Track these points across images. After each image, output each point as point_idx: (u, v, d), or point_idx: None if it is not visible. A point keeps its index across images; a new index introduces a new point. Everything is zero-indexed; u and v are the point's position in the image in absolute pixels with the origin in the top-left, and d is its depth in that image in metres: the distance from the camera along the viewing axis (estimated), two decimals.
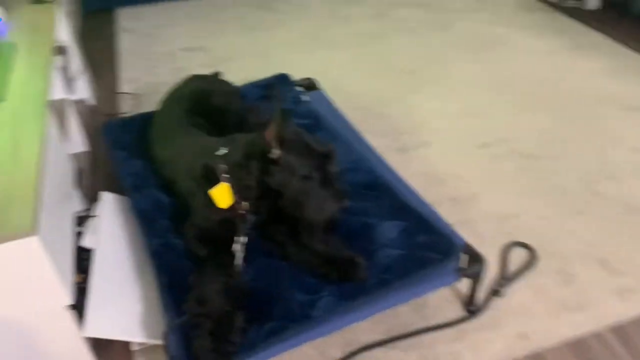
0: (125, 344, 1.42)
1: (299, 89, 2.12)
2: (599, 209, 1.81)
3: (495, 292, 1.53)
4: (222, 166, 1.35)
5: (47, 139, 1.35)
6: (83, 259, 1.50)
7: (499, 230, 1.74)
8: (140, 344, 1.40)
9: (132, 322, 1.38)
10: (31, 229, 1.08)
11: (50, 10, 1.96)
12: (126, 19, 3.20)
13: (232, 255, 1.35)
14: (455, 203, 1.84)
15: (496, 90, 2.46)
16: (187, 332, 1.22)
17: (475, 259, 1.39)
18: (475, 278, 1.41)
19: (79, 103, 2.32)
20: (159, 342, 1.33)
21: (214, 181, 1.37)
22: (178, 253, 1.43)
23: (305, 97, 2.06)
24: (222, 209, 1.35)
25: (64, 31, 2.16)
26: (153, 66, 2.69)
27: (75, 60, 2.25)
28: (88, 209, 1.69)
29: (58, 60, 1.98)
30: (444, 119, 2.28)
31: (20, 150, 1.28)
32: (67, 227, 1.45)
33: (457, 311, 1.49)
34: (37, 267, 1.13)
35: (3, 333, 1.21)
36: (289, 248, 1.41)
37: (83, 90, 2.33)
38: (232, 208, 1.35)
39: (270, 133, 1.26)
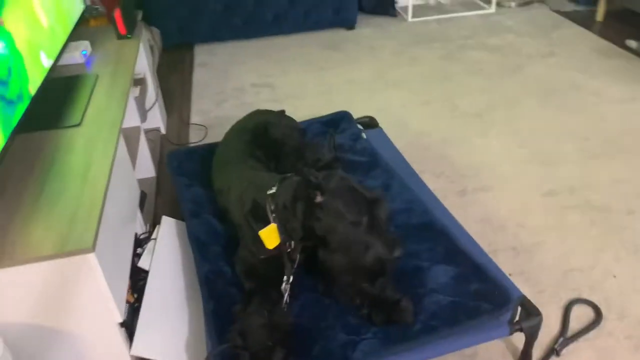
0: None
1: (359, 126, 2.14)
2: None
3: (553, 351, 1.42)
4: (271, 206, 1.36)
5: (116, 163, 1.44)
6: (139, 280, 1.56)
7: (562, 285, 1.63)
8: None
9: (177, 346, 1.40)
10: (90, 247, 1.14)
11: (132, 45, 2.11)
12: (201, 54, 3.39)
13: (278, 291, 1.35)
14: (515, 253, 1.76)
15: (567, 137, 2.35)
16: None
17: (531, 312, 1.31)
18: (530, 334, 1.32)
19: (151, 131, 2.46)
20: None
21: (262, 218, 1.38)
22: (227, 281, 1.46)
23: (364, 135, 2.07)
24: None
25: (143, 64, 2.32)
26: (223, 100, 2.81)
27: (151, 91, 2.40)
28: (149, 232, 1.76)
29: (135, 91, 2.12)
30: (508, 164, 2.20)
31: (90, 172, 1.36)
32: (127, 247, 1.51)
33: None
34: (92, 284, 1.18)
35: (57, 343, 1.27)
36: (335, 289, 1.39)
37: (156, 119, 2.47)
38: (279, 247, 1.36)
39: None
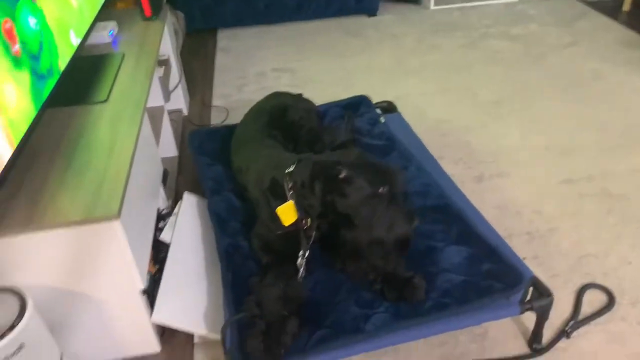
0: (188, 338, 1.49)
1: (377, 111, 2.16)
2: None
3: (564, 333, 1.44)
4: (289, 183, 1.40)
5: (140, 139, 1.49)
6: (160, 252, 1.62)
7: (575, 270, 1.64)
8: (200, 337, 1.48)
9: (196, 315, 1.46)
10: (116, 214, 1.19)
11: (157, 27, 2.15)
12: (224, 38, 3.43)
13: (294, 266, 1.39)
14: (530, 238, 1.77)
15: (587, 126, 2.34)
16: (242, 330, 1.27)
17: (543, 293, 1.33)
18: (541, 314, 1.34)
19: (174, 112, 2.51)
20: (218, 337, 1.39)
21: (280, 196, 1.42)
22: (245, 255, 1.50)
23: (382, 119, 2.09)
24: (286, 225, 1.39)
25: (167, 46, 2.37)
26: (244, 84, 2.85)
27: (175, 73, 2.45)
28: (170, 207, 1.81)
29: (159, 71, 2.17)
30: (526, 151, 2.20)
31: (116, 146, 1.41)
32: (150, 220, 1.57)
33: (519, 347, 1.43)
34: (116, 250, 1.24)
35: (81, 308, 1.33)
36: (348, 262, 1.43)
37: (179, 100, 2.52)
38: (295, 224, 1.39)
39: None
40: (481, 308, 1.30)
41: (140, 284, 1.32)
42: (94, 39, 1.98)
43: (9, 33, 1.25)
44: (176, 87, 2.45)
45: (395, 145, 1.92)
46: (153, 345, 1.46)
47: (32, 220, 1.17)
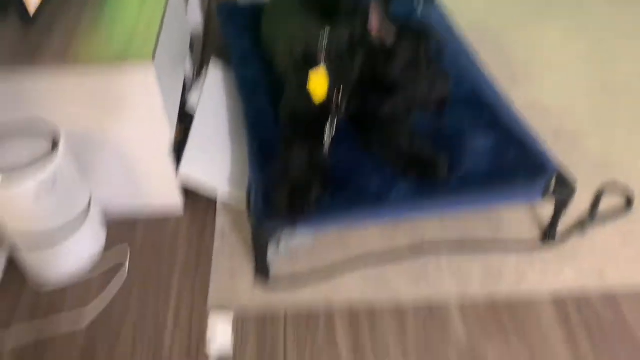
0: (209, 203, 1.53)
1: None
2: None
3: (578, 227, 1.46)
4: (322, 52, 1.35)
5: None
6: (185, 122, 1.61)
7: (598, 172, 1.63)
8: (223, 202, 1.51)
9: (221, 174, 1.48)
10: (150, 58, 1.17)
11: None
12: None
13: (320, 139, 1.39)
14: (557, 137, 1.74)
15: (630, 37, 2.23)
16: (267, 191, 1.29)
17: (565, 184, 1.33)
18: (561, 204, 1.35)
19: None
20: (241, 198, 1.43)
21: (312, 65, 1.38)
22: (271, 122, 1.50)
23: (419, 8, 2.00)
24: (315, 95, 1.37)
25: None
26: None
27: None
28: (196, 74, 1.79)
29: None
30: (562, 56, 2.12)
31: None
32: (178, 80, 1.55)
33: (533, 236, 1.46)
34: (148, 95, 1.23)
35: (109, 154, 1.35)
36: (374, 138, 1.42)
37: None
38: (325, 97, 1.37)
39: (375, 22, 1.24)
40: (503, 191, 1.31)
41: (169, 133, 1.34)
42: None
43: None
44: None
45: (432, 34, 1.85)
46: (177, 207, 1.50)
47: (67, 54, 1.16)
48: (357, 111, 1.43)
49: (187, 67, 1.74)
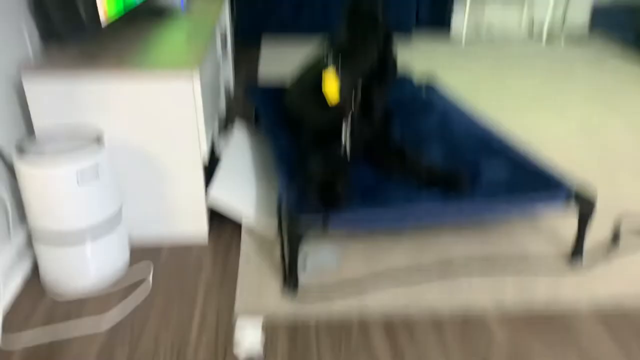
0: (235, 230, 1.54)
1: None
2: None
3: (603, 255, 1.47)
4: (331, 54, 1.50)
5: (211, 52, 1.62)
6: (214, 158, 1.70)
7: (614, 212, 1.68)
8: (248, 228, 1.52)
9: (247, 201, 1.52)
10: (197, 67, 1.30)
11: (218, 2, 2.37)
12: (269, 42, 3.68)
13: (339, 141, 1.49)
14: None
15: (616, 121, 2.44)
16: (299, 190, 1.32)
17: (585, 199, 1.38)
18: (584, 217, 1.38)
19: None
20: (266, 223, 1.45)
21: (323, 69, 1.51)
22: (296, 155, 1.57)
23: (422, 87, 2.23)
24: (331, 108, 1.49)
25: (225, 20, 2.57)
26: (285, 72, 3.04)
27: (228, 47, 2.63)
28: (223, 131, 1.92)
29: (221, 27, 2.35)
30: (559, 131, 2.32)
31: (192, 41, 1.55)
32: (214, 111, 1.66)
33: (559, 263, 1.45)
34: (191, 105, 1.33)
35: (145, 164, 1.40)
36: (394, 170, 1.50)
37: (226, 73, 2.69)
38: (338, 106, 1.49)
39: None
40: (527, 199, 1.35)
41: (204, 152, 1.40)
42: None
43: None
44: (228, 59, 2.63)
45: (436, 102, 2.04)
46: (202, 235, 1.50)
47: (121, 62, 1.29)
48: (373, 149, 1.55)
49: (220, 108, 1.86)
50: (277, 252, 1.44)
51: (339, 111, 1.49)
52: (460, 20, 4.09)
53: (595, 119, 2.49)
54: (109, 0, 1.36)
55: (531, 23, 4.31)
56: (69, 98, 1.29)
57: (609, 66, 3.37)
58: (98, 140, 1.25)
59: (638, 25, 3.68)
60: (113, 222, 1.30)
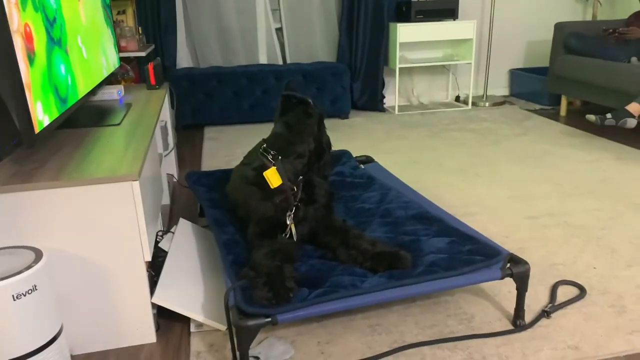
0: (183, 329, 1.52)
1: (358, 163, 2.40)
2: None
3: (544, 313, 1.54)
4: (269, 154, 1.59)
5: (149, 155, 1.65)
6: (159, 257, 1.69)
7: (548, 273, 1.78)
8: (197, 326, 1.50)
9: (195, 303, 1.50)
10: (137, 174, 1.32)
11: (160, 93, 2.44)
12: (212, 132, 3.75)
13: (282, 229, 1.54)
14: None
15: (543, 182, 2.62)
16: (245, 292, 1.33)
17: (520, 262, 1.46)
18: (521, 279, 1.45)
19: (166, 175, 2.69)
20: (214, 324, 1.44)
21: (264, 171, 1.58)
22: (242, 247, 1.60)
23: (362, 166, 2.32)
24: (274, 194, 1.56)
25: (166, 113, 2.63)
26: (231, 159, 3.09)
27: (170, 139, 2.68)
28: (166, 230, 1.91)
29: (162, 122, 2.40)
30: (492, 199, 2.44)
31: (131, 146, 1.58)
32: (155, 216, 1.66)
33: (504, 326, 1.51)
34: (132, 211, 1.34)
35: (87, 276, 1.37)
36: (339, 251, 1.55)
37: (171, 166, 2.71)
38: (282, 190, 1.56)
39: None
40: (466, 273, 1.41)
41: (147, 255, 1.40)
42: (105, 96, 2.24)
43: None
44: (170, 151, 2.66)
45: (375, 180, 2.13)
46: (149, 334, 1.47)
47: (59, 176, 1.29)
48: (317, 235, 1.60)
49: (159, 224, 1.87)
50: (228, 348, 1.42)
51: (282, 198, 1.55)
52: (392, 90, 4.35)
53: (525, 182, 2.66)
54: (43, 105, 1.39)
55: (456, 89, 4.63)
56: (4, 217, 1.27)
57: (529, 124, 3.65)
58: (36, 260, 1.23)
59: (549, 89, 4.04)
60: (52, 349, 1.25)
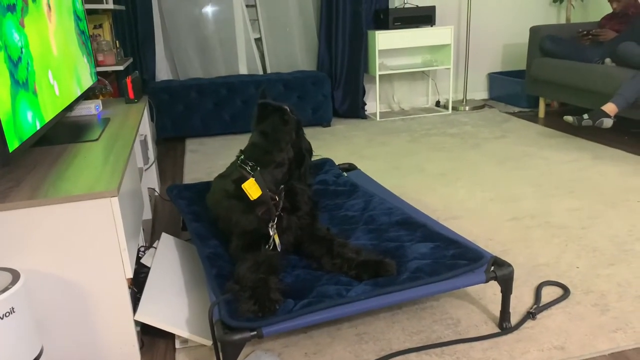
0: (168, 346, 1.49)
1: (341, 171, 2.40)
2: (632, 259, 1.85)
3: (529, 315, 1.55)
4: (248, 166, 1.60)
5: (128, 169, 1.63)
6: (141, 273, 1.66)
7: (532, 274, 1.79)
8: (182, 342, 1.48)
9: (178, 319, 1.48)
10: (115, 190, 1.30)
11: (139, 107, 2.41)
12: (193, 144, 3.72)
13: (266, 240, 1.53)
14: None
15: (523, 184, 2.65)
16: (230, 305, 1.31)
17: (503, 265, 1.47)
18: (505, 281, 1.46)
19: (148, 189, 2.66)
20: (199, 339, 1.42)
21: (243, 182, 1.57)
22: (225, 260, 1.58)
23: (345, 174, 2.32)
24: (256, 206, 1.55)
25: (146, 127, 2.61)
26: (212, 171, 3.07)
27: (151, 153, 2.65)
28: (149, 246, 1.89)
29: (141, 136, 2.38)
30: (474, 202, 2.45)
31: (110, 159, 1.56)
32: (136, 233, 1.64)
33: (490, 329, 1.51)
34: (111, 227, 1.32)
35: (67, 296, 1.34)
36: (324, 260, 1.54)
37: (152, 180, 2.69)
38: (263, 201, 1.56)
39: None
40: (450, 278, 1.41)
41: (129, 272, 1.38)
42: (82, 111, 2.21)
43: None
44: (151, 164, 2.64)
45: (358, 188, 2.13)
46: (133, 353, 1.44)
47: (34, 197, 1.27)
48: (302, 243, 1.60)
49: (140, 239, 1.84)
50: None
51: (263, 209, 1.54)
52: (373, 96, 4.37)
53: (506, 184, 2.69)
54: (17, 122, 1.36)
55: (436, 94, 4.68)
56: None
57: (508, 127, 3.70)
58: (13, 281, 1.20)
59: (526, 92, 4.10)
60: None
